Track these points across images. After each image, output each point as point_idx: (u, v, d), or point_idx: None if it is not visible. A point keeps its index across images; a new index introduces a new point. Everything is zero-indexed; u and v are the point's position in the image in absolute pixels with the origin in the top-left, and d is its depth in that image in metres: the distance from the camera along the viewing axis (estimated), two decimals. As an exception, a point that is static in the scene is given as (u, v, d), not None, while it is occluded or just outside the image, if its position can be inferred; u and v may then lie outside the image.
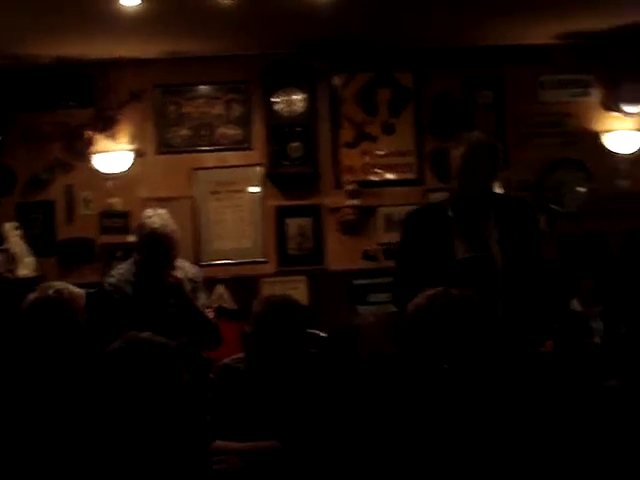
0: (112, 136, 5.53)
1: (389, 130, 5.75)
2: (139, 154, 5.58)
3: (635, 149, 5.71)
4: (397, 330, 1.77)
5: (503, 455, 2.21)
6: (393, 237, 5.54)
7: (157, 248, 3.75)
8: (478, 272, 3.18)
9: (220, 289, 5.55)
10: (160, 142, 5.63)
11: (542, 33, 5.51)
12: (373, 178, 5.74)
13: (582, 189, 5.78)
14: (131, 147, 5.55)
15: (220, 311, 5.01)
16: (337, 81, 5.70)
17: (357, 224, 5.68)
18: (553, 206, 5.74)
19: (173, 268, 3.81)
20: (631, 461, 3.40)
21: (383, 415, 1.78)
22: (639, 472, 3.34)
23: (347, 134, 5.72)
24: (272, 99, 5.53)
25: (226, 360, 3.15)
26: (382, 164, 5.75)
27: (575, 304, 5.26)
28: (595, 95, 5.81)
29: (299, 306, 3.07)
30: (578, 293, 5.26)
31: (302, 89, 5.55)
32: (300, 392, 2.87)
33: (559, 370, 4.67)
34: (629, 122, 5.70)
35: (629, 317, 5.10)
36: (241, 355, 3.09)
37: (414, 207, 3.99)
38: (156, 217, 3.79)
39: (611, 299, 5.21)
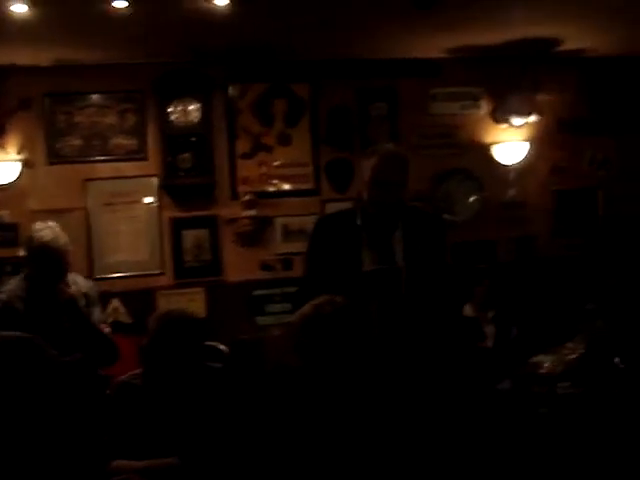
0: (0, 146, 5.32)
1: (285, 141, 5.77)
2: (28, 164, 5.39)
3: (521, 159, 5.95)
4: (301, 344, 1.78)
5: (403, 458, 2.25)
6: (291, 247, 5.62)
7: (48, 262, 3.65)
8: (383, 284, 3.24)
9: (115, 303, 5.42)
10: (50, 152, 5.45)
11: (433, 47, 5.65)
12: (270, 189, 5.75)
13: (472, 198, 5.97)
14: (20, 157, 5.35)
15: (116, 325, 4.91)
16: (233, 91, 5.67)
17: (254, 235, 5.67)
18: (445, 215, 5.90)
19: (65, 283, 3.70)
20: (522, 459, 3.54)
21: (286, 428, 1.78)
22: (528, 470, 3.48)
23: (243, 145, 5.70)
24: (167, 109, 5.45)
25: (123, 377, 3.08)
26: (279, 175, 5.77)
27: (468, 309, 5.41)
28: (484, 107, 6.02)
29: (195, 320, 3.05)
30: (471, 299, 5.41)
31: (197, 99, 5.50)
32: (200, 407, 2.84)
33: (453, 373, 4.79)
34: (516, 133, 5.94)
35: (519, 321, 5.31)
36: (138, 371, 3.03)
37: (324, 214, 4.02)
38: (47, 230, 3.68)
39: (502, 304, 5.39)
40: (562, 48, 5.78)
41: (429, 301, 3.31)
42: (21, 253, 3.77)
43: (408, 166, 3.35)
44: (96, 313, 3.87)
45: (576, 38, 5.57)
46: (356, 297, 2.92)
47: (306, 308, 2.24)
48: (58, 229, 3.73)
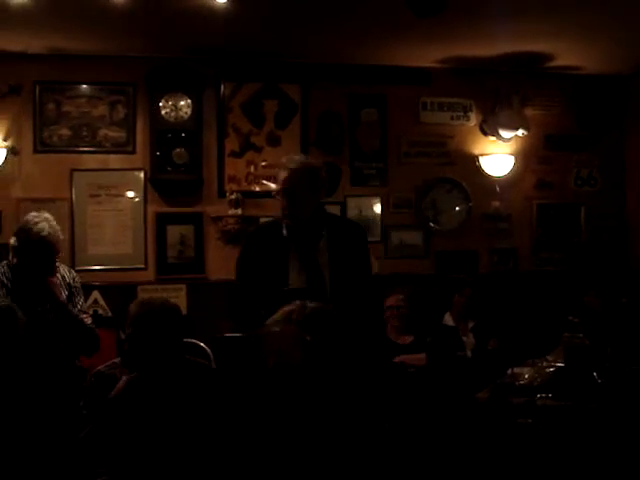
0: (-14, 132, 5.28)
1: (275, 142, 5.77)
2: (14, 152, 5.35)
3: (507, 172, 5.99)
4: (302, 341, 1.78)
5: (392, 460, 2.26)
6: (275, 248, 5.60)
7: (43, 255, 3.62)
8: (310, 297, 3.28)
9: (95, 295, 5.38)
10: (38, 140, 5.41)
11: (425, 56, 5.70)
12: (256, 189, 5.74)
13: (458, 208, 6.01)
14: (6, 144, 5.30)
15: (95, 318, 4.87)
16: (225, 89, 5.67)
17: (239, 234, 5.65)
18: (430, 224, 5.94)
19: (55, 274, 3.69)
20: (500, 469, 3.55)
21: (289, 427, 1.78)
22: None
23: (233, 143, 5.70)
24: (158, 103, 5.43)
25: (100, 367, 3.07)
26: (266, 175, 5.76)
27: (448, 319, 5.44)
28: (473, 119, 6.07)
29: (176, 310, 3.03)
30: (451, 308, 5.44)
31: (189, 95, 5.48)
32: (183, 400, 2.83)
33: (432, 382, 4.81)
34: (504, 146, 5.98)
35: (499, 333, 5.34)
36: (116, 361, 3.02)
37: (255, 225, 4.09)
38: (44, 223, 3.63)
39: (482, 315, 5.43)
40: (552, 64, 5.86)
41: (354, 309, 3.35)
42: (12, 242, 3.69)
43: (319, 176, 3.39)
44: (79, 303, 3.84)
45: (566, 55, 5.66)
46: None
47: (277, 314, 2.21)
48: (54, 222, 3.69)
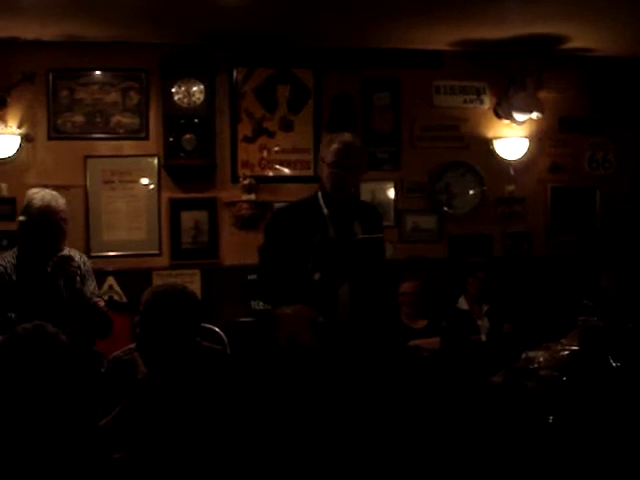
0: (0, 119, 5.29)
1: (287, 127, 5.77)
2: (28, 139, 5.37)
3: (521, 155, 5.96)
4: (315, 323, 1.79)
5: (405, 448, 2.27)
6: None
7: (49, 223, 3.66)
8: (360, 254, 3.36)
9: (111, 281, 5.42)
10: (52, 127, 5.43)
11: (437, 39, 5.66)
12: (270, 173, 5.75)
13: (472, 192, 5.99)
14: (20, 131, 5.33)
15: (110, 304, 4.90)
16: (237, 75, 5.66)
17: (253, 219, 5.66)
18: (444, 208, 5.93)
19: (69, 256, 3.72)
20: (515, 454, 3.56)
21: (301, 411, 1.79)
22: (522, 466, 3.50)
23: (246, 128, 5.69)
24: (170, 89, 5.43)
25: (116, 353, 3.09)
26: (279, 160, 5.77)
27: (462, 302, 5.43)
28: (487, 102, 6.03)
29: (191, 295, 3.00)
30: (465, 292, 5.44)
31: (201, 81, 5.47)
32: (198, 387, 2.85)
33: (446, 366, 4.82)
34: (518, 129, 5.95)
35: (513, 316, 5.34)
36: (132, 346, 3.04)
37: (282, 205, 4.14)
38: (44, 192, 3.72)
39: (496, 298, 5.42)
40: (567, 46, 5.80)
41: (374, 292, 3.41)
42: (21, 218, 3.74)
43: (366, 155, 3.57)
44: (91, 286, 3.87)
45: (581, 37, 5.59)
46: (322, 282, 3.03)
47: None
48: (57, 194, 3.77)
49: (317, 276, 3.23)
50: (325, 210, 3.41)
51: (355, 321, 3.34)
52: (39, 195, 3.69)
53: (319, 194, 3.48)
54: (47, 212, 3.65)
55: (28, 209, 3.70)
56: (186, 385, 2.85)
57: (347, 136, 3.50)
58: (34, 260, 3.67)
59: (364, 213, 3.53)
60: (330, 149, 3.40)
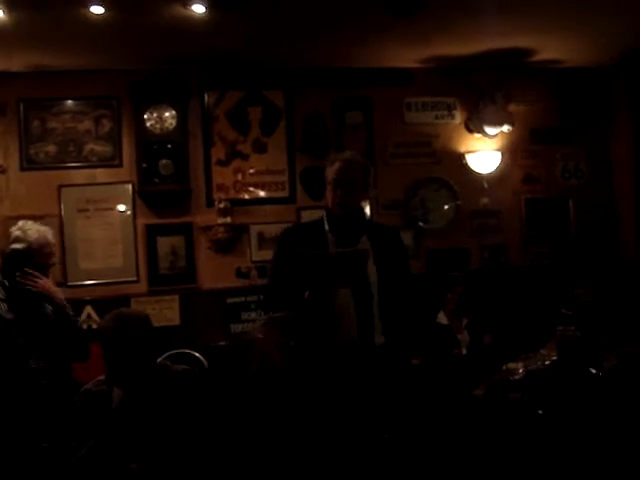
0: (-28, 151, 5.28)
1: (261, 149, 5.78)
2: (1, 170, 5.35)
3: (494, 168, 6.01)
4: (284, 346, 1.80)
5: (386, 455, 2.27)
6: (266, 255, 5.60)
7: (47, 253, 3.76)
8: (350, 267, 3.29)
9: (89, 310, 5.39)
10: (24, 158, 5.41)
11: (407, 57, 5.71)
12: (245, 196, 5.76)
13: (447, 207, 6.03)
14: (-8, 163, 5.31)
15: (89, 332, 4.87)
16: (209, 99, 5.68)
17: (229, 242, 5.66)
18: (420, 223, 5.96)
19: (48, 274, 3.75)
20: (497, 464, 3.57)
21: (278, 427, 1.79)
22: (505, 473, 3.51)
23: (219, 152, 5.71)
24: (143, 115, 5.44)
25: (87, 385, 3.10)
26: (254, 182, 5.78)
27: (442, 317, 5.44)
28: (458, 117, 6.09)
29: (138, 316, 3.08)
30: (444, 306, 5.45)
31: (173, 106, 5.49)
32: (164, 410, 2.87)
33: (428, 380, 4.83)
34: (490, 143, 6.00)
35: (493, 329, 5.36)
36: (101, 378, 3.05)
37: (290, 224, 4.11)
38: (37, 225, 3.81)
39: (475, 312, 5.44)
40: (534, 59, 5.88)
41: (401, 310, 3.39)
42: (17, 246, 3.73)
43: (369, 172, 3.46)
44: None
45: (548, 49, 5.67)
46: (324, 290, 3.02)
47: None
48: (41, 226, 3.81)
49: (307, 294, 3.22)
50: (327, 227, 3.41)
51: (364, 339, 3.28)
52: (34, 226, 3.76)
53: (324, 213, 3.48)
54: (45, 243, 3.73)
55: (26, 238, 3.71)
56: (157, 412, 2.87)
57: (348, 154, 3.51)
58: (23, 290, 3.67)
59: (379, 233, 3.48)
60: (332, 168, 3.39)
